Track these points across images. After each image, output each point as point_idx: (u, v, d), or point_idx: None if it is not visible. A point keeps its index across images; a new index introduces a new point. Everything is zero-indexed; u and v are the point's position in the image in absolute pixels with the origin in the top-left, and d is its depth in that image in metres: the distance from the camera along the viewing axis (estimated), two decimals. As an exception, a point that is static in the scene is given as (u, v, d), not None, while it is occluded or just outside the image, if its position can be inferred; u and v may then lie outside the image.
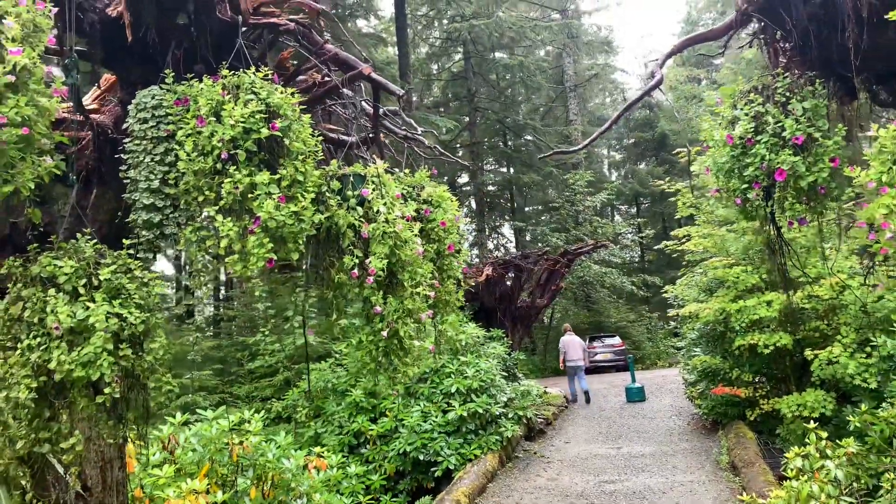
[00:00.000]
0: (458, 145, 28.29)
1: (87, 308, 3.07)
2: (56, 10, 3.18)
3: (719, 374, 12.08)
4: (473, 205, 32.04)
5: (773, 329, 10.87)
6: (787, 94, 4.22)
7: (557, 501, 8.76)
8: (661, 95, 44.50)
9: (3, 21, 2.83)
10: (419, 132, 5.14)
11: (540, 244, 28.23)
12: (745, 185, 4.30)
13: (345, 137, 4.73)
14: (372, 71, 4.28)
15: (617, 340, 24.96)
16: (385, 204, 4.09)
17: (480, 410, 10.38)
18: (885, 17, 3.63)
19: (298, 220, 3.68)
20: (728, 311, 10.96)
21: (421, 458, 9.79)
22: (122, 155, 4.03)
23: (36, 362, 2.99)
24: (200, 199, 3.60)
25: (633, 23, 70.33)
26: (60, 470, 3.51)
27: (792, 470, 6.15)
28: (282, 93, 3.77)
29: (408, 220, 4.21)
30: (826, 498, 5.63)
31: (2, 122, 2.76)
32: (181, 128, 3.68)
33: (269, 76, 3.80)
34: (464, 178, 34.47)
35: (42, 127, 3.02)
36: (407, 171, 4.64)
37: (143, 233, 3.65)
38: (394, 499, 9.64)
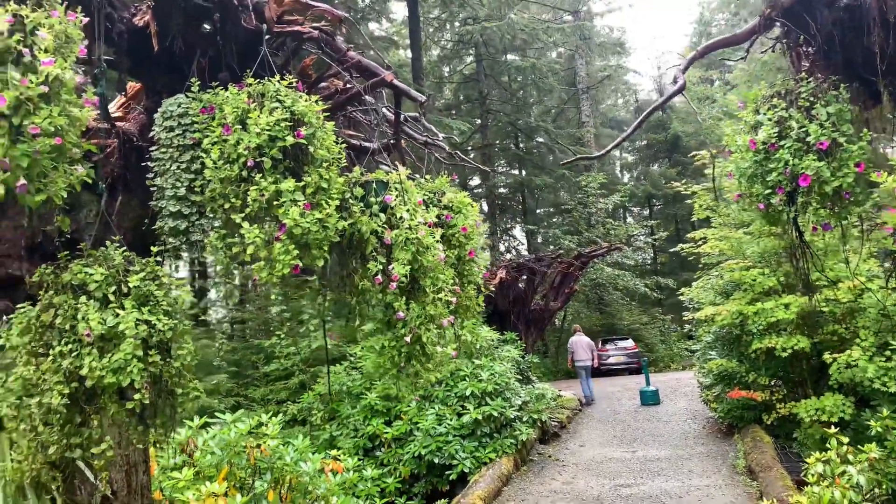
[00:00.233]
0: (469, 147, 28.30)
1: (117, 315, 3.11)
2: (86, 20, 3.22)
3: (735, 377, 12.01)
4: (485, 207, 32.04)
5: (790, 332, 10.80)
6: (811, 98, 4.19)
7: (573, 505, 8.75)
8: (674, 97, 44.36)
9: (37, 32, 2.87)
10: (440, 138, 5.17)
11: (551, 246, 28.19)
12: (769, 191, 4.28)
13: (366, 144, 4.75)
14: (394, 78, 4.30)
15: (630, 343, 24.87)
16: (408, 210, 4.11)
17: (495, 414, 10.38)
18: (912, 21, 3.61)
19: (323, 227, 3.70)
20: (745, 314, 10.90)
21: (436, 461, 9.80)
22: (147, 162, 4.07)
23: (68, 369, 3.03)
24: (226, 206, 3.64)
25: (646, 24, 70.13)
26: (89, 475, 3.55)
27: (813, 475, 6.11)
28: (306, 100, 3.80)
29: (430, 227, 4.22)
30: (848, 503, 5.59)
31: (35, 133, 2.80)
32: (207, 136, 3.72)
33: (294, 84, 3.82)
34: (475, 181, 34.48)
35: (73, 136, 3.06)
36: (428, 176, 4.66)
37: (170, 240, 3.69)
38: (408, 502, 9.66)
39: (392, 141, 4.74)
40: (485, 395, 10.69)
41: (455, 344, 4.32)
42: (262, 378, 12.52)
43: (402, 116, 4.74)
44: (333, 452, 9.12)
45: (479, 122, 30.66)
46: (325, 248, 3.79)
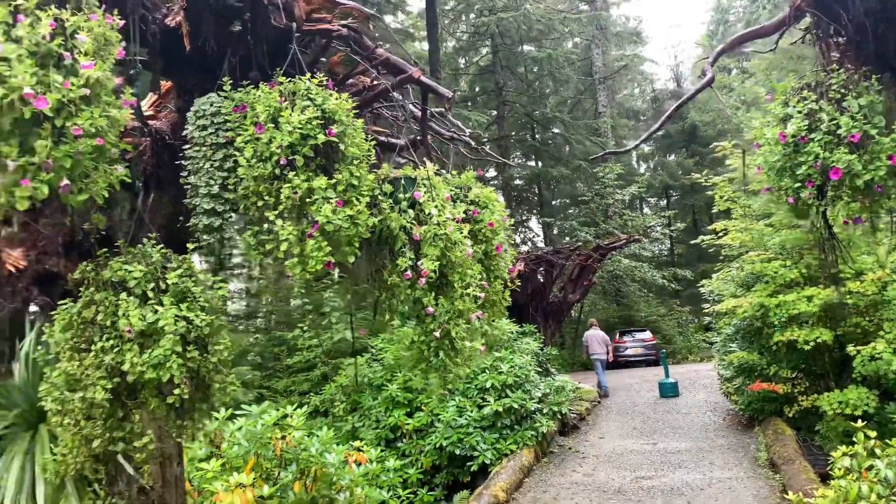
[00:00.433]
0: (486, 139, 28.24)
1: (156, 311, 3.18)
2: (122, 23, 3.27)
3: (756, 369, 11.96)
4: (501, 199, 31.98)
5: (812, 325, 10.72)
6: (842, 90, 4.16)
7: (595, 497, 8.78)
8: (690, 86, 43.86)
9: (77, 36, 2.93)
10: (466, 133, 5.18)
11: (567, 238, 28.10)
12: (798, 184, 4.26)
13: (393, 140, 4.79)
14: (421, 74, 4.32)
15: (647, 335, 24.77)
16: (436, 206, 4.14)
17: (515, 406, 10.42)
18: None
19: (354, 224, 3.74)
20: (766, 307, 10.84)
21: (457, 452, 9.88)
22: (178, 160, 4.14)
23: (110, 364, 3.10)
24: (260, 203, 3.69)
25: (662, 13, 69.34)
26: (127, 468, 3.63)
27: (839, 469, 6.08)
28: (336, 98, 3.83)
29: (458, 222, 4.25)
30: (876, 498, 5.56)
31: (78, 134, 2.86)
32: (240, 134, 3.76)
33: (325, 82, 3.86)
34: (491, 172, 34.40)
35: (112, 137, 3.12)
36: (454, 172, 4.68)
37: (204, 237, 3.75)
38: (430, 492, 9.75)
39: (418, 137, 4.77)
40: (505, 387, 10.74)
41: (483, 339, 4.35)
42: (284, 370, 12.66)
43: (427, 112, 4.76)
44: (357, 444, 9.22)
45: (495, 113, 30.57)
46: (356, 245, 3.84)
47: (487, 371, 10.98)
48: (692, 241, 16.59)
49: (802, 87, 4.33)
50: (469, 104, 30.37)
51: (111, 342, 3.15)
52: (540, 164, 33.74)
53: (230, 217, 3.78)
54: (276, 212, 3.65)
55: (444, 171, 4.65)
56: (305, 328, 12.42)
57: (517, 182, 34.55)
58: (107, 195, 3.09)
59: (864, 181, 3.97)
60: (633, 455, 10.93)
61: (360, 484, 7.73)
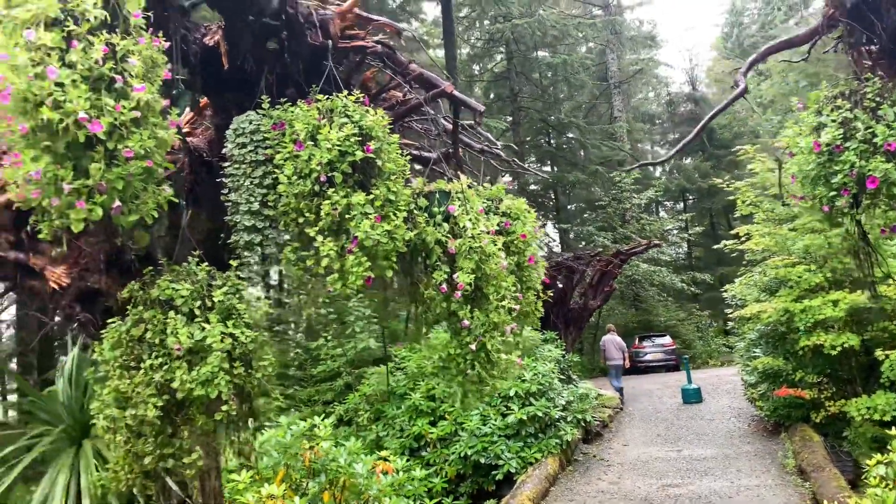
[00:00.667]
0: (501, 145, 28.23)
1: (203, 329, 3.23)
2: (168, 44, 3.34)
3: (781, 375, 11.85)
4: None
5: (838, 329, 10.62)
6: (878, 99, 4.14)
7: (623, 506, 8.74)
8: (705, 89, 43.65)
9: (128, 60, 2.99)
10: (498, 146, 5.22)
11: (584, 243, 28.00)
12: (833, 192, 4.24)
13: (426, 154, 4.83)
14: (454, 89, 4.37)
15: (667, 340, 24.61)
16: (470, 219, 4.17)
17: (540, 414, 10.40)
18: None
19: (392, 239, 3.78)
20: (791, 312, 10.75)
21: (481, 461, 9.86)
22: (215, 177, 4.20)
23: (159, 381, 3.16)
24: (300, 220, 3.74)
25: (676, 16, 69.10)
26: (170, 483, 3.69)
27: (875, 478, 6.01)
28: (373, 115, 3.88)
29: (491, 234, 4.28)
30: (914, 507, 5.49)
31: (129, 156, 2.93)
32: (279, 151, 3.82)
33: (361, 99, 3.91)
34: (506, 177, 34.37)
35: (159, 157, 3.18)
36: (486, 184, 4.71)
37: (245, 254, 3.80)
38: (455, 501, 9.74)
39: (450, 150, 4.81)
40: (529, 395, 10.72)
41: (519, 351, 4.37)
42: (308, 379, 12.73)
43: (459, 126, 4.80)
44: (383, 453, 9.25)
45: (510, 119, 30.59)
46: (394, 259, 3.87)
47: (511, 379, 10.97)
48: (714, 246, 16.46)
49: (836, 96, 4.32)
50: (485, 111, 30.35)
51: (160, 360, 3.20)
52: (555, 168, 33.70)
53: (270, 233, 3.83)
54: (316, 228, 3.69)
55: (475, 184, 4.68)
56: (329, 337, 12.50)
57: (532, 187, 34.51)
58: (156, 215, 3.15)
59: (901, 189, 3.95)
60: (659, 462, 10.86)
61: (388, 494, 7.75)
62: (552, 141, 33.34)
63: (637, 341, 24.79)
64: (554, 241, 34.70)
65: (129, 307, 3.42)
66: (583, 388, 12.62)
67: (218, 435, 3.30)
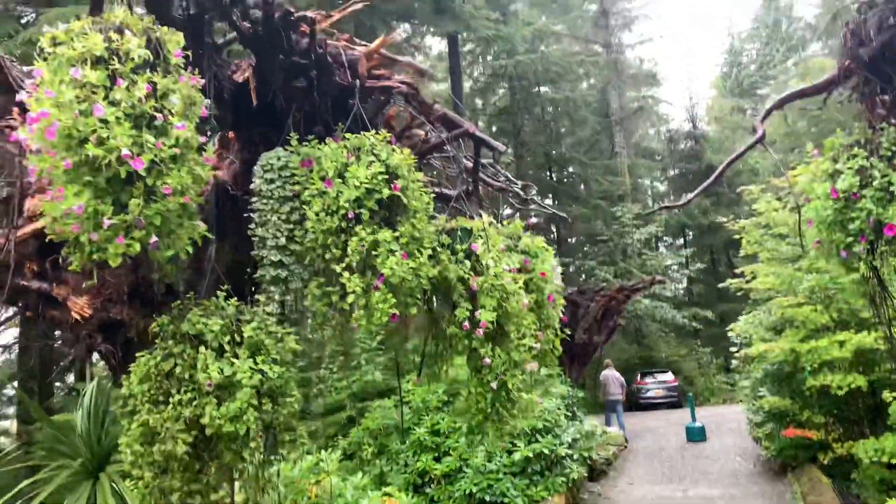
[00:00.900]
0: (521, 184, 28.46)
1: (232, 364, 3.24)
2: (203, 82, 3.41)
3: (788, 414, 11.79)
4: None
5: (845, 370, 10.61)
6: (893, 148, 4.22)
7: (630, 547, 8.61)
8: (705, 127, 44.18)
9: (170, 98, 3.06)
10: (518, 185, 5.29)
11: (584, 276, 28.02)
12: (850, 238, 4.30)
13: (446, 191, 4.89)
14: (476, 129, 4.45)
15: (669, 376, 24.46)
16: (492, 257, 4.21)
17: (546, 451, 10.29)
18: None
19: (416, 276, 3.81)
20: (798, 352, 10.75)
21: (487, 498, 9.73)
22: (239, 211, 4.24)
23: (188, 417, 3.15)
24: (327, 256, 3.77)
25: (676, 54, 70.31)
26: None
27: (889, 523, 5.96)
28: (399, 154, 3.94)
29: (513, 272, 4.31)
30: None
31: (167, 192, 2.97)
32: (307, 188, 3.87)
33: (388, 138, 3.98)
34: (507, 211, 34.57)
35: (193, 193, 3.23)
36: (506, 221, 4.76)
37: (271, 288, 3.83)
38: (460, 539, 9.59)
39: (469, 188, 4.87)
40: (535, 431, 10.62)
41: (539, 390, 4.36)
42: (310, 413, 12.62)
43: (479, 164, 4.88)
44: (387, 489, 9.14)
45: (512, 153, 30.88)
46: (418, 296, 3.90)
47: (531, 418, 10.88)
48: (715, 283, 16.49)
49: (852, 144, 4.41)
50: (488, 145, 30.63)
51: (189, 395, 3.20)
52: (557, 202, 33.91)
53: (296, 269, 3.86)
54: (343, 264, 3.72)
55: (494, 221, 4.73)
56: (334, 369, 12.44)
57: (533, 220, 34.65)
58: (190, 250, 3.18)
59: (919, 236, 4.00)
60: (665, 502, 10.73)
61: (394, 530, 7.66)
62: (554, 175, 33.61)
63: (639, 377, 24.64)
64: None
65: (157, 340, 3.43)
66: (588, 424, 12.51)
67: (244, 471, 3.28)
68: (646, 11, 37.43)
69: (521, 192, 5.40)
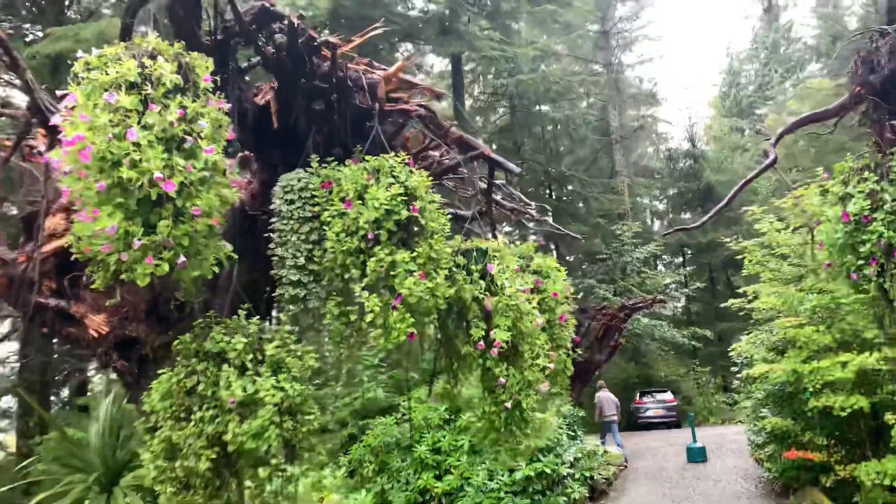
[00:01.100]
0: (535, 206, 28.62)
1: (254, 382, 3.27)
2: (229, 106, 3.48)
3: (790, 436, 11.77)
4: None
5: (847, 391, 10.62)
6: (902, 172, 4.30)
7: (634, 568, 8.57)
8: (704, 146, 44.50)
9: (199, 122, 3.13)
10: (533, 206, 5.36)
11: (581, 294, 28.05)
12: (861, 261, 4.36)
13: (459, 212, 4.96)
14: (491, 152, 4.52)
15: (668, 396, 24.40)
16: (507, 278, 4.26)
17: (547, 471, 10.28)
18: None
19: (433, 296, 3.86)
20: (800, 373, 10.76)
21: (488, 518, 9.71)
22: (255, 230, 4.30)
23: (210, 433, 3.18)
24: (346, 276, 3.82)
25: (676, 75, 71.01)
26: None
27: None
28: (417, 176, 4.01)
29: (526, 293, 4.36)
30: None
31: (196, 214, 3.03)
32: (326, 209, 3.93)
33: (406, 160, 4.04)
34: (507, 228, 34.68)
35: (218, 215, 3.28)
36: (518, 242, 4.82)
37: (290, 307, 3.87)
38: (461, 559, 9.55)
39: (483, 209, 4.93)
40: (536, 450, 10.61)
41: (554, 410, 4.40)
42: (313, 429, 12.58)
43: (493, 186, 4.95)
44: (390, 507, 9.11)
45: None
46: (434, 315, 3.95)
47: (545, 438, 10.87)
48: (713, 302, 16.51)
49: (862, 168, 4.48)
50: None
51: (210, 412, 3.23)
52: (556, 221, 34.04)
53: (314, 288, 3.91)
54: (362, 284, 3.77)
55: (507, 242, 4.79)
56: (337, 386, 12.42)
57: (532, 237, 34.79)
58: (216, 271, 3.23)
59: (929, 261, 4.07)
60: (667, 523, 10.68)
61: (398, 550, 7.64)
62: (553, 193, 33.75)
63: (638, 397, 24.59)
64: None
65: (179, 358, 3.46)
66: (589, 444, 12.49)
67: (263, 488, 3.30)
68: (646, 32, 37.86)
69: (535, 214, 5.47)
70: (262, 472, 3.22)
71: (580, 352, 5.04)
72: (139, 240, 2.91)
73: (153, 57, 3.14)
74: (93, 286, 3.22)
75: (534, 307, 4.32)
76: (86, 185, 2.92)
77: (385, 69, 4.42)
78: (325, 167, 4.09)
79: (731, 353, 15.10)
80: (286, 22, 3.81)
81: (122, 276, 2.97)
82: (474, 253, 4.34)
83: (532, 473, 10.18)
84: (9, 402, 22.59)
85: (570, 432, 12.07)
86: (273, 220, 4.05)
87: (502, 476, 10.27)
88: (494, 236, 4.44)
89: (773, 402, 12.50)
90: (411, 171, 4.04)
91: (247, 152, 4.57)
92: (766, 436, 12.42)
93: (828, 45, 31.16)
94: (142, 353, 4.41)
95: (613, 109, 34.05)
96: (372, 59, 4.58)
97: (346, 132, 4.26)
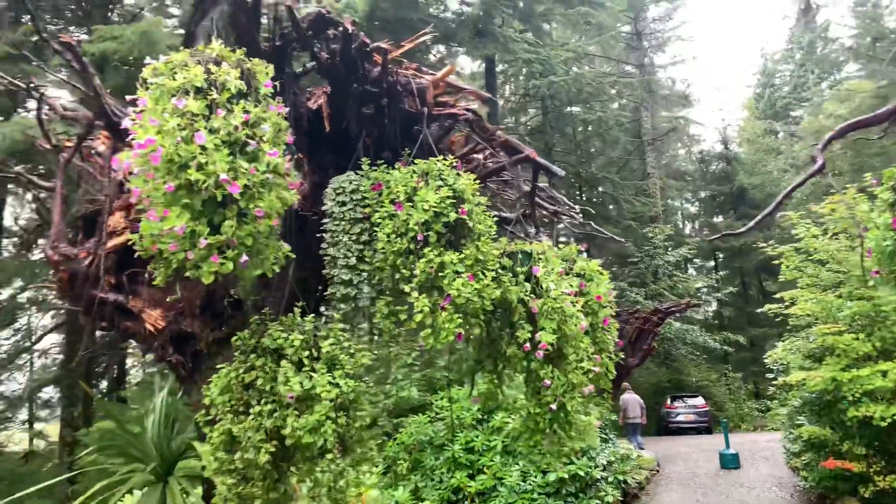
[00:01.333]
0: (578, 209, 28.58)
1: (311, 378, 3.38)
2: (287, 110, 3.59)
3: (827, 444, 11.58)
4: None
5: (888, 400, 10.42)
6: (953, 179, 4.25)
7: (668, 574, 8.52)
8: (737, 148, 43.83)
9: (261, 126, 3.24)
10: (576, 210, 5.40)
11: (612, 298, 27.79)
12: (911, 269, 4.32)
13: (503, 215, 5.02)
14: (536, 155, 4.57)
15: (700, 401, 24.11)
16: (552, 280, 4.30)
17: (581, 473, 10.27)
18: None
19: (480, 297, 3.93)
20: (839, 381, 10.58)
21: (521, 519, 9.73)
22: (305, 231, 4.42)
23: (267, 427, 3.29)
24: (396, 276, 3.91)
25: (708, 75, 70.04)
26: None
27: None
28: (465, 178, 4.08)
29: (571, 296, 4.40)
30: None
31: (260, 215, 3.14)
32: (377, 210, 4.02)
33: (454, 163, 4.12)
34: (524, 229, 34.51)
35: (277, 215, 3.39)
36: (562, 245, 4.86)
37: (341, 305, 3.97)
38: (493, 560, 9.59)
39: (526, 211, 4.99)
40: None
41: (597, 413, 4.43)
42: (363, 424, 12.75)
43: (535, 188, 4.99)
44: (425, 505, 9.20)
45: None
46: (481, 317, 4.01)
47: (589, 440, 10.87)
48: (756, 310, 16.29)
49: (913, 175, 4.43)
50: (519, 166, 30.78)
51: (269, 406, 3.34)
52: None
53: (365, 287, 4.01)
54: (412, 284, 3.86)
55: (550, 244, 4.84)
56: (371, 384, 12.56)
57: (562, 240, 34.63)
58: (277, 269, 3.34)
59: (982, 269, 4.02)
60: (701, 530, 10.59)
61: (433, 547, 7.71)
62: (584, 195, 33.56)
63: (669, 401, 24.34)
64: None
65: (237, 353, 3.58)
66: (625, 448, 12.45)
67: (317, 482, 3.40)
68: (679, 33, 37.60)
69: (577, 217, 5.50)
70: (319, 465, 3.32)
71: (621, 355, 5.05)
72: (205, 239, 3.03)
73: (217, 63, 3.27)
74: (154, 283, 3.35)
75: (578, 310, 4.36)
76: (154, 186, 3.05)
77: (433, 73, 4.51)
78: (375, 170, 4.19)
79: (765, 360, 14.88)
80: (341, 28, 3.91)
81: (188, 274, 3.09)
82: (519, 255, 4.40)
83: (566, 475, 10.17)
84: (50, 392, 23.30)
85: (602, 435, 12.04)
86: (324, 220, 4.16)
87: (535, 477, 10.29)
88: (539, 239, 4.49)
89: (811, 410, 12.30)
90: (459, 174, 4.12)
91: (299, 155, 4.69)
92: (803, 444, 12.22)
93: (867, 45, 30.45)
94: (196, 348, 4.56)
95: (645, 111, 33.76)
96: (419, 64, 4.66)
97: (395, 135, 4.35)
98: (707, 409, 23.78)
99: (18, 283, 17.91)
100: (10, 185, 15.95)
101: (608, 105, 32.47)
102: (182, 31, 16.81)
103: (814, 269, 12.09)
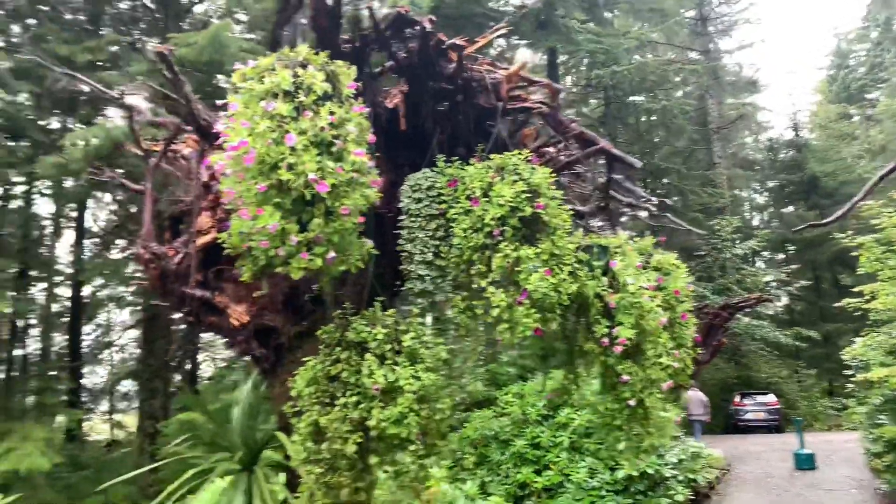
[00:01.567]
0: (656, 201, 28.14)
1: (394, 370, 3.46)
2: (369, 110, 3.67)
3: (912, 445, 11.05)
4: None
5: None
6: None
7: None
8: (808, 135, 41.93)
9: (346, 126, 3.33)
10: (654, 201, 5.32)
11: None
12: None
13: (577, 208, 4.99)
14: (611, 147, 4.52)
15: (771, 398, 23.30)
16: (630, 275, 4.25)
17: (650, 471, 10.11)
18: None
19: (557, 292, 3.92)
20: (927, 378, 10.09)
21: (589, 516, 9.67)
22: (382, 227, 4.50)
23: (355, 418, 3.40)
24: (472, 271, 3.94)
25: (777, 59, 67.26)
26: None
27: None
28: (541, 172, 4.07)
29: (650, 290, 4.34)
30: None
31: (346, 213, 3.23)
32: (452, 206, 4.07)
33: (529, 157, 4.12)
34: (597, 222, 34.01)
35: (360, 213, 3.48)
36: (637, 238, 4.80)
37: (418, 300, 4.04)
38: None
39: (601, 204, 4.94)
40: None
41: (677, 409, 4.37)
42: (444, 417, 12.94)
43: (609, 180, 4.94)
44: (492, 499, 9.26)
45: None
46: (557, 311, 4.00)
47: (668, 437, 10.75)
48: (832, 304, 15.62)
49: None
50: (579, 156, 30.35)
51: (354, 398, 3.44)
52: (652, 216, 33.04)
53: (441, 283, 4.06)
54: (488, 279, 3.88)
55: (626, 237, 4.77)
56: (448, 378, 12.70)
57: (632, 233, 33.92)
58: (362, 266, 3.43)
59: None
60: (777, 533, 10.27)
61: (503, 540, 7.75)
62: (649, 186, 32.83)
63: (737, 398, 23.62)
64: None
65: (322, 347, 3.70)
66: (697, 446, 12.18)
67: (399, 472, 3.49)
68: (746, 15, 35.96)
69: (653, 209, 5.42)
70: (404, 456, 3.40)
71: (700, 351, 4.95)
72: (295, 237, 3.14)
73: (304, 66, 3.37)
74: (241, 279, 3.49)
75: (657, 304, 4.29)
76: (246, 186, 3.17)
77: (506, 68, 4.52)
78: (450, 166, 4.23)
79: (842, 356, 14.26)
80: (418, 27, 3.97)
81: (278, 270, 3.21)
82: (595, 249, 4.36)
83: (634, 473, 10.03)
84: (128, 385, 24.49)
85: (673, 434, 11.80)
86: (401, 217, 4.23)
87: (603, 474, 10.20)
88: (614, 232, 4.45)
89: (893, 408, 11.74)
90: (534, 168, 4.11)
91: (377, 153, 4.78)
92: (885, 445, 11.68)
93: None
94: (278, 342, 4.73)
95: (711, 98, 32.72)
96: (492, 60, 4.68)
97: (468, 131, 4.39)
98: (778, 406, 22.98)
99: (99, 281, 18.90)
100: (92, 190, 16.80)
101: (672, 93, 31.59)
102: (251, 37, 17.31)
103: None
